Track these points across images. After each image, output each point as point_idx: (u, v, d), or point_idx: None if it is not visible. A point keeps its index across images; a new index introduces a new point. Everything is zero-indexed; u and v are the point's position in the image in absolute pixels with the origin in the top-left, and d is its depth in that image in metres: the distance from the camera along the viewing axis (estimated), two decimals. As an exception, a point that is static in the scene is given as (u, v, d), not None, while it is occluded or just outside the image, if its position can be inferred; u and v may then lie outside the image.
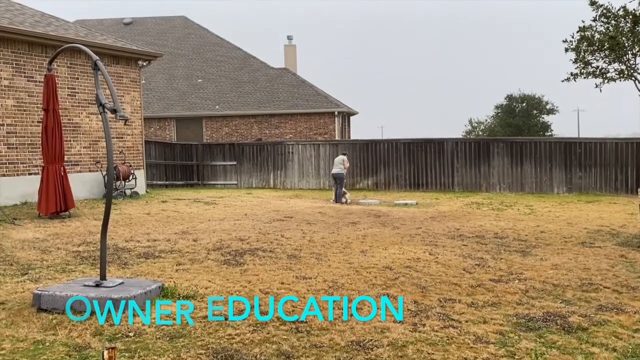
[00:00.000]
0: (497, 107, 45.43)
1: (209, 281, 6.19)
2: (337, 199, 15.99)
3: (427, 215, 12.57)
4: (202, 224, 10.48)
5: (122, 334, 4.48)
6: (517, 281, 6.37)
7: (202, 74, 29.78)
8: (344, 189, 16.45)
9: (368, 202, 15.91)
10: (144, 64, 15.78)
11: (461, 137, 44.42)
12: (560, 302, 5.52)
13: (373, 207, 14.79)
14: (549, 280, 6.39)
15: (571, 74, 8.78)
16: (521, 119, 42.46)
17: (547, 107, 43.21)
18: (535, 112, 43.15)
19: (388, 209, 13.92)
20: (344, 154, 17.12)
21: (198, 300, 5.43)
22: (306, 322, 4.83)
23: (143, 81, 27.51)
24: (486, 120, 48.56)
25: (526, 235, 9.75)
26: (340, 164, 16.49)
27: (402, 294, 5.73)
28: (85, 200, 13.77)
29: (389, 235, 9.52)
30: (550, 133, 42.66)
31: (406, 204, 15.34)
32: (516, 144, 19.27)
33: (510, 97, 44.16)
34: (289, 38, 33.54)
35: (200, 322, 4.81)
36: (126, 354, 4.08)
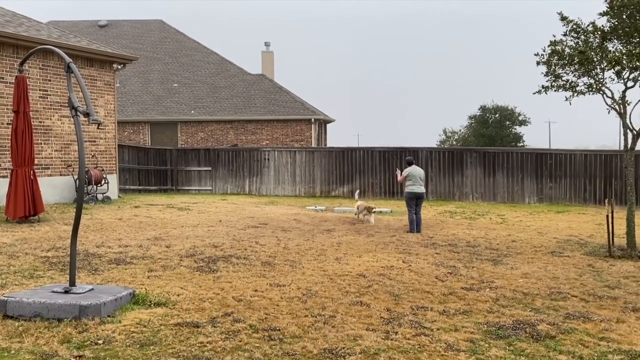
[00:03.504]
0: (470, 118, 46.08)
1: (182, 288, 6.13)
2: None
3: (402, 223, 12.65)
4: (175, 230, 10.36)
5: (91, 342, 4.40)
6: (488, 289, 6.46)
7: (178, 78, 29.56)
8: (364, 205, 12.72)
9: (343, 210, 15.95)
10: (119, 67, 15.59)
11: (435, 146, 44.89)
12: (530, 311, 5.61)
13: (348, 214, 14.83)
14: (519, 289, 6.50)
15: (542, 86, 8.97)
16: (494, 130, 43.14)
17: (520, 118, 44.01)
18: (508, 123, 43.89)
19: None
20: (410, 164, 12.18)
21: (170, 308, 5.37)
22: (279, 329, 4.81)
23: (117, 84, 27.15)
24: (460, 130, 49.22)
25: (498, 244, 9.90)
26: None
27: (375, 302, 5.76)
28: (56, 204, 13.49)
29: (363, 243, 9.56)
30: (522, 144, 43.42)
31: (381, 212, 15.42)
32: (489, 154, 19.59)
33: (483, 108, 44.84)
34: (267, 44, 33.56)
35: (172, 329, 4.75)
36: (95, 362, 4.01)
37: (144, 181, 20.76)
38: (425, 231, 11.37)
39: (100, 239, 9.16)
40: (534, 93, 9.29)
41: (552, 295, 6.26)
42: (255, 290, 6.10)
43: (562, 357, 4.30)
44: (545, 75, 9.45)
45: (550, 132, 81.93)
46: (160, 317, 5.06)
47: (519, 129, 44.54)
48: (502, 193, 19.20)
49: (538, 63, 9.31)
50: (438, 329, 4.94)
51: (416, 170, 12.04)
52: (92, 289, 5.46)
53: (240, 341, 4.49)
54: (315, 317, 5.20)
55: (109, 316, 5.03)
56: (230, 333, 4.70)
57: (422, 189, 11.97)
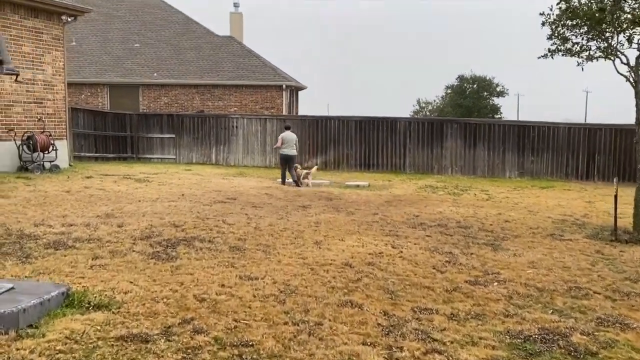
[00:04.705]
0: (447, 88, 45.22)
1: (131, 282, 4.99)
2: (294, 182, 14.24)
3: (382, 199, 11.69)
4: (130, 205, 9.12)
5: (-3, 369, 3.26)
6: (495, 283, 5.54)
7: (140, 38, 27.60)
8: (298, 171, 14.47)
9: (318, 183, 14.89)
10: (69, 19, 13.90)
11: (414, 116, 44.01)
12: (552, 313, 4.71)
13: (323, 188, 13.80)
14: (531, 283, 5.60)
15: (548, 50, 8.07)
16: (471, 101, 42.42)
17: (498, 89, 43.38)
18: (485, 94, 43.22)
19: (340, 191, 12.96)
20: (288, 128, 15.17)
21: (113, 312, 4.25)
22: (252, 345, 3.76)
23: (74, 43, 25.13)
24: (434, 101, 48.42)
25: (491, 224, 9.03)
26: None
27: (368, 302, 4.75)
28: (-4, 173, 12.00)
29: (344, 223, 8.54)
30: (499, 115, 42.93)
31: (358, 186, 14.45)
32: (470, 126, 18.74)
33: (461, 78, 44.01)
34: (236, 5, 31.71)
35: (112, 345, 3.64)
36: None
37: (102, 148, 19.20)
38: (408, 208, 10.42)
39: (41, 216, 7.87)
40: (539, 57, 8.31)
41: (572, 291, 5.37)
42: (222, 286, 5.02)
43: (618, 386, 3.38)
44: (549, 39, 8.46)
45: (519, 105, 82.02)
46: (98, 327, 3.94)
47: (496, 100, 44.04)
48: (482, 166, 18.44)
49: (544, 24, 8.29)
50: (451, 342, 3.97)
51: (289, 135, 14.35)
52: (12, 288, 4.28)
53: (202, 364, 3.42)
54: (297, 324, 4.17)
55: (30, 326, 3.89)
56: (189, 350, 3.63)
57: (293, 152, 14.32)
